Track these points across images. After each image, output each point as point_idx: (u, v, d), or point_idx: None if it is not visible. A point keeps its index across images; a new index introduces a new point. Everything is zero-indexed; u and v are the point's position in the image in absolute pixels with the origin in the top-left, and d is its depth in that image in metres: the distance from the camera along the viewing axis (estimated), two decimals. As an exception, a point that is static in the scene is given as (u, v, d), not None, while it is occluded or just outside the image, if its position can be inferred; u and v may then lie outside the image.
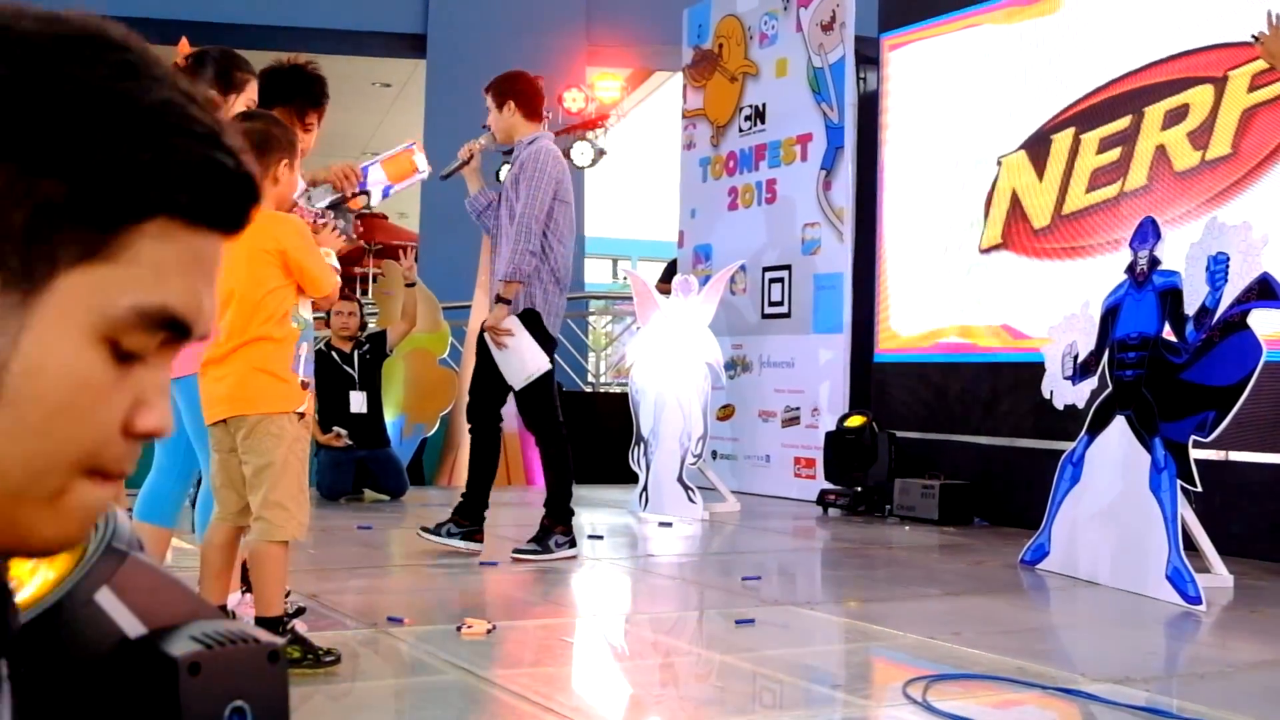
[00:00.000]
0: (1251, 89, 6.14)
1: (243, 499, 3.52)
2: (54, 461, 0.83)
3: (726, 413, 9.29)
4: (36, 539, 0.86)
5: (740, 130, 9.56)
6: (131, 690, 1.67)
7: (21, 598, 1.82)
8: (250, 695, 1.66)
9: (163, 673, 1.60)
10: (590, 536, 6.63)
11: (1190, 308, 5.06)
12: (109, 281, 0.80)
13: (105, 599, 1.70)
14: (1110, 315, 5.50)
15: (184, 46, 3.94)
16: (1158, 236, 5.33)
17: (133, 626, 1.70)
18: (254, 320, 3.45)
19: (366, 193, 3.97)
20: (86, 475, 0.85)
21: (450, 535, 5.89)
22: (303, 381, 3.51)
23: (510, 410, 9.82)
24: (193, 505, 4.20)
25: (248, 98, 3.97)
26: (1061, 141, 7.15)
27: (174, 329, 0.83)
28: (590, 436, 10.52)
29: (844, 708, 3.39)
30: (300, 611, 3.79)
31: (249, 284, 3.45)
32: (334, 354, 8.40)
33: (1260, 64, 6.06)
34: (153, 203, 0.81)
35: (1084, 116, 7.03)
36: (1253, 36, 5.11)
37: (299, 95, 4.31)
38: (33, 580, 1.88)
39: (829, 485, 8.05)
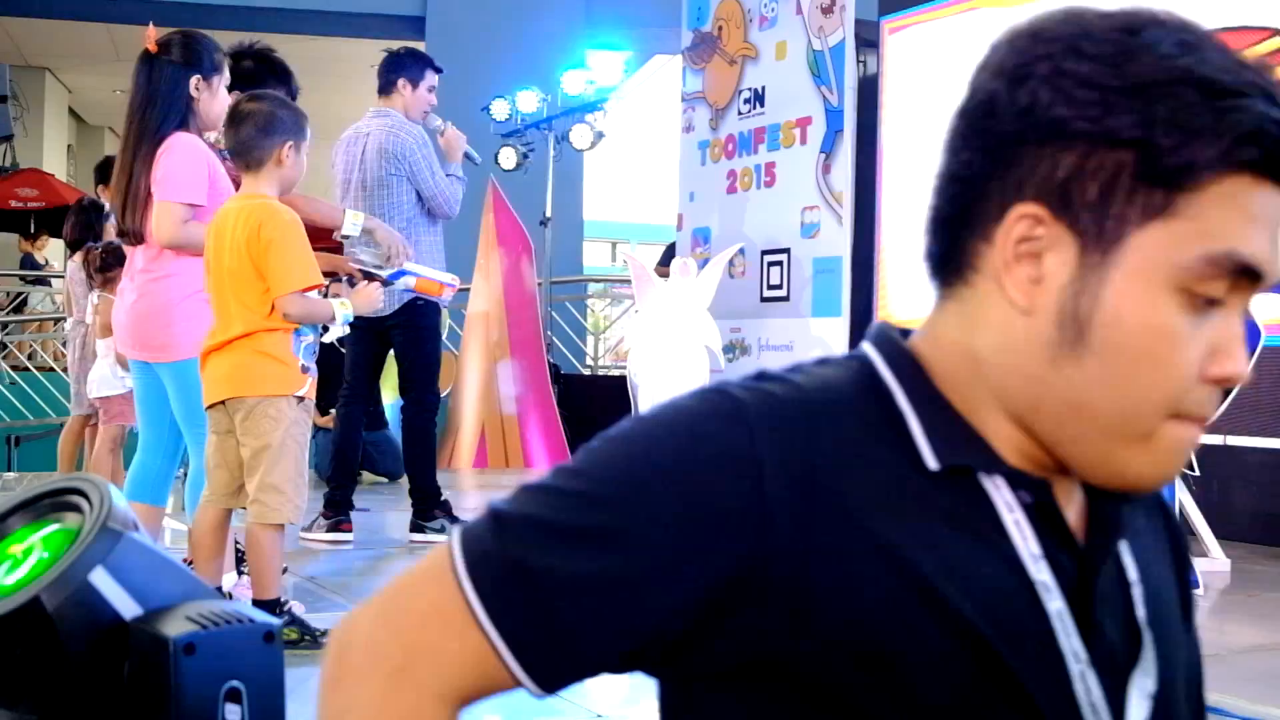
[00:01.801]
0: (1253, 73, 6.13)
1: (235, 480, 3.51)
2: (1140, 405, 0.93)
3: (725, 396, 9.28)
4: (1131, 474, 0.95)
5: (739, 113, 9.53)
6: (127, 670, 1.67)
7: (17, 578, 1.82)
8: (245, 675, 1.66)
9: (157, 652, 1.60)
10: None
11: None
12: (1177, 235, 0.90)
13: (101, 579, 1.70)
14: (1109, 299, 5.49)
15: (152, 33, 3.92)
16: (1158, 220, 5.32)
17: (128, 607, 1.70)
18: (258, 314, 3.43)
19: (391, 282, 4.05)
20: (1172, 418, 0.94)
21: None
22: (303, 366, 3.50)
23: (510, 392, 9.88)
24: (184, 484, 4.21)
25: (224, 78, 3.96)
26: (1061, 125, 7.14)
27: (1244, 275, 0.92)
28: (588, 419, 10.54)
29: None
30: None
31: (247, 276, 3.43)
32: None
33: (1266, 47, 6.05)
34: (1216, 161, 0.89)
35: (1084, 100, 7.02)
36: None
37: (269, 80, 4.31)
38: (27, 561, 1.88)
39: (827, 469, 8.04)
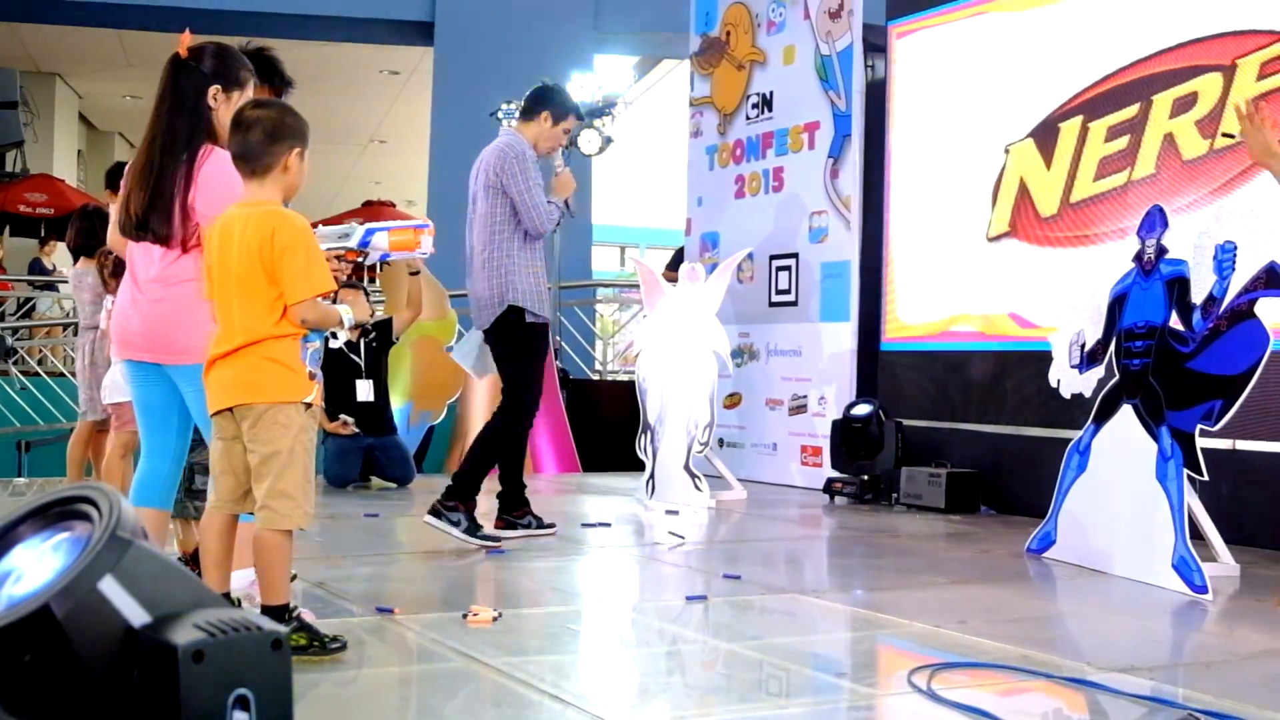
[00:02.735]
0: (1261, 77, 6.12)
1: (240, 485, 3.52)
2: None
3: (733, 401, 9.29)
4: None
5: (747, 118, 9.54)
6: (136, 677, 1.69)
7: (27, 586, 1.83)
8: (253, 683, 1.67)
9: (166, 660, 1.62)
10: (597, 524, 6.64)
11: (1198, 296, 5.05)
12: None
13: (109, 587, 1.72)
14: (1117, 304, 5.49)
15: (186, 39, 3.92)
16: (1165, 225, 5.32)
17: (137, 614, 1.71)
18: (267, 321, 3.44)
19: (364, 251, 3.97)
20: None
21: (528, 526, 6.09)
22: (310, 373, 3.50)
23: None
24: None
25: (246, 95, 3.95)
26: (1069, 130, 7.13)
27: None
28: (597, 424, 10.55)
29: (849, 696, 3.40)
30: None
31: (258, 283, 3.43)
32: (350, 336, 8.40)
33: (1269, 52, 6.05)
34: None
35: (1092, 105, 7.01)
36: (1224, 134, 5.01)
37: (269, 76, 4.33)
38: (37, 568, 1.89)
39: (836, 474, 8.05)
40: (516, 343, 6.04)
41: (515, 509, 6.19)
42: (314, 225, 3.79)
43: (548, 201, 6.09)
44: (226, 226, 3.52)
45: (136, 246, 3.91)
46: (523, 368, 6.07)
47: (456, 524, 5.75)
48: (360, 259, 4.02)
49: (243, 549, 3.66)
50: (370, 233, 3.96)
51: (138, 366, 3.92)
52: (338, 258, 3.94)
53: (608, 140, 10.80)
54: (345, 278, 4.03)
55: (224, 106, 3.86)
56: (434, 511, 5.82)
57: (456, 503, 5.81)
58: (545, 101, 6.23)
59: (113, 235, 4.10)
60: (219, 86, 3.89)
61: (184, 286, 3.74)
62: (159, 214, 3.78)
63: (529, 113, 6.24)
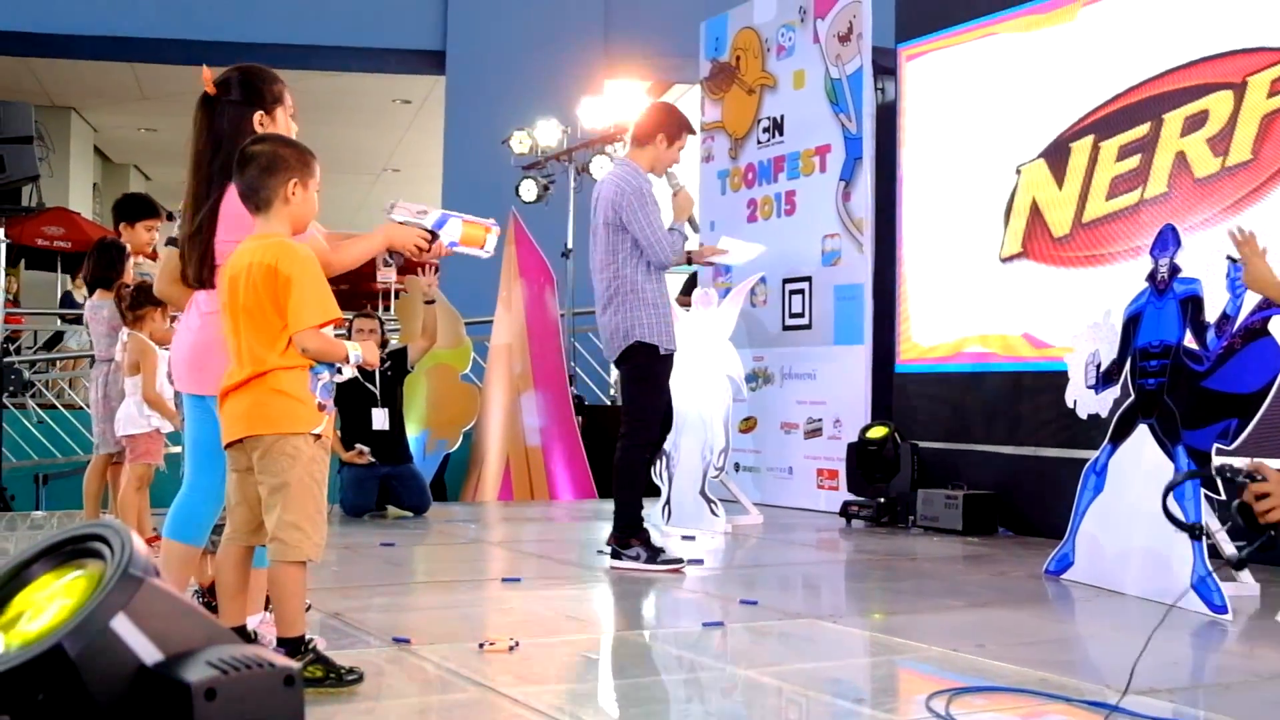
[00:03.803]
0: (1271, 94, 6.12)
1: (255, 517, 3.52)
2: None
3: (748, 425, 9.28)
4: None
5: (758, 142, 9.56)
6: (149, 716, 1.69)
7: (38, 625, 1.84)
8: (266, 719, 1.67)
9: (179, 698, 1.62)
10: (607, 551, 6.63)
11: (1211, 315, 5.03)
12: None
13: (122, 626, 1.72)
14: (1132, 323, 5.48)
15: (208, 74, 3.89)
16: (1178, 244, 5.31)
17: (149, 653, 1.71)
18: (273, 351, 3.44)
19: (436, 234, 3.94)
20: None
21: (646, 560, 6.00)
22: (320, 404, 3.50)
23: (534, 424, 9.90)
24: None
25: (287, 108, 3.93)
26: (1081, 149, 7.13)
27: None
28: (612, 449, 10.53)
29: (867, 722, 3.38)
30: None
31: (264, 314, 3.44)
32: (358, 373, 8.41)
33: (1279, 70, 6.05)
34: None
35: (1103, 124, 7.01)
36: (1228, 258, 4.94)
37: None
38: (50, 607, 1.89)
39: (852, 496, 8.03)
40: (642, 374, 6.11)
41: (633, 535, 6.16)
42: (393, 205, 3.81)
43: (669, 229, 6.12)
44: (236, 261, 3.53)
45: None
46: (644, 397, 6.15)
47: (636, 558, 5.92)
48: (430, 240, 3.97)
49: (254, 594, 3.66)
50: (446, 218, 3.94)
51: (190, 399, 3.90)
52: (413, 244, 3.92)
53: (620, 166, 10.81)
54: (418, 253, 3.96)
55: (272, 128, 3.85)
56: (614, 554, 5.99)
57: (628, 539, 5.98)
58: (658, 124, 6.25)
59: (159, 287, 4.04)
60: (261, 113, 3.85)
61: (218, 316, 3.73)
62: (206, 269, 3.76)
63: (644, 139, 6.25)
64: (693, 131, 6.49)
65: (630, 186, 6.05)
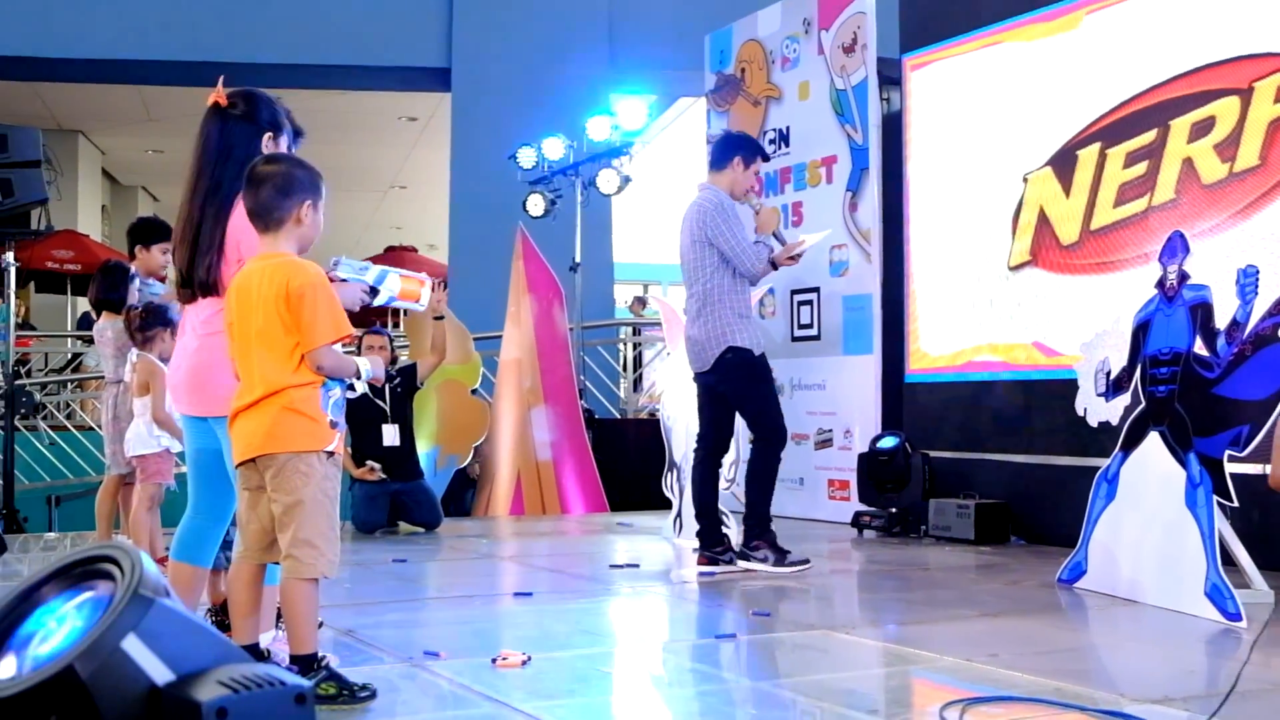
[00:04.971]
0: (1278, 100, 6.11)
1: (267, 535, 3.52)
2: None
3: (759, 437, 9.25)
4: None
5: (765, 154, 9.55)
6: (161, 736, 1.68)
7: (51, 646, 1.84)
8: (278, 739, 1.67)
9: (190, 718, 1.62)
10: (626, 565, 6.62)
11: (1221, 321, 5.02)
12: None
13: (133, 646, 1.72)
14: (1141, 331, 5.47)
15: (221, 89, 3.96)
16: (1186, 250, 5.30)
17: (160, 673, 1.71)
18: (286, 369, 3.45)
19: (376, 290, 4.00)
20: None
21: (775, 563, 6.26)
22: (332, 422, 3.51)
23: (544, 439, 9.89)
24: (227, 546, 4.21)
25: (288, 135, 3.99)
26: (1088, 157, 7.13)
27: None
28: (623, 463, 10.53)
29: (881, 734, 3.37)
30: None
31: (275, 333, 3.45)
32: (368, 388, 8.42)
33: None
34: None
35: (1109, 131, 7.01)
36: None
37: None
38: (61, 629, 1.90)
39: (863, 507, 8.02)
40: (745, 378, 6.37)
41: (761, 536, 6.39)
42: (336, 262, 3.83)
43: (755, 242, 6.38)
44: (244, 281, 3.54)
45: (186, 302, 3.94)
46: (759, 398, 6.40)
47: (764, 560, 6.25)
48: (371, 296, 4.02)
49: (265, 612, 3.66)
50: (385, 273, 3.98)
51: (190, 421, 3.94)
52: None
53: (626, 179, 10.82)
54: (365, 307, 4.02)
55: (273, 150, 3.92)
56: (742, 555, 6.32)
57: (757, 541, 6.30)
58: (733, 148, 6.57)
59: (169, 292, 4.16)
60: (270, 134, 3.94)
61: (219, 338, 3.75)
62: (204, 265, 3.80)
63: (719, 162, 6.57)
64: (766, 157, 6.90)
65: (712, 204, 6.37)
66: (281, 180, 3.53)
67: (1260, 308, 4.89)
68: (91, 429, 12.43)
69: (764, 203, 6.74)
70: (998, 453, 7.70)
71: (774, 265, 6.45)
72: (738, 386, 6.40)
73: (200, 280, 3.81)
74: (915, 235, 8.42)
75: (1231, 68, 6.35)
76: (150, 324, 6.07)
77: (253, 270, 3.54)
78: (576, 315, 11.12)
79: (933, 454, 7.89)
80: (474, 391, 10.21)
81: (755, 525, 6.34)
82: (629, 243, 19.07)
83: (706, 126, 10.35)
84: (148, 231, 6.75)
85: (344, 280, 3.88)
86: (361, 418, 8.23)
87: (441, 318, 8.31)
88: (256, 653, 3.60)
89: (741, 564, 6.29)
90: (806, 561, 6.29)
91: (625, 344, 14.63)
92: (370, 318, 13.46)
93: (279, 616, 3.82)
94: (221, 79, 4.02)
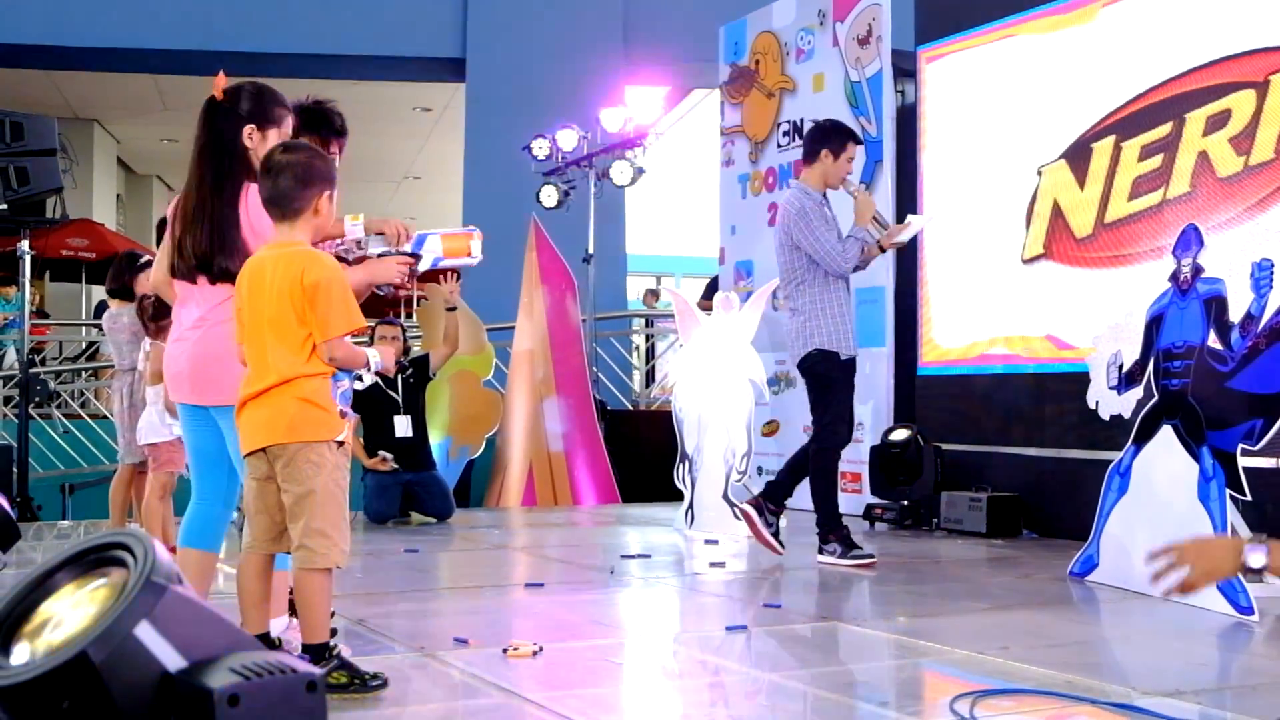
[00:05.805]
0: (1293, 92, 6.08)
1: (276, 525, 3.52)
2: None
3: (771, 429, 9.27)
4: None
5: (779, 146, 9.55)
6: (173, 723, 1.69)
7: (63, 633, 1.85)
8: (289, 726, 1.68)
9: (202, 705, 1.63)
10: (637, 556, 6.63)
11: (1235, 315, 5.01)
12: None
13: (145, 633, 1.73)
14: (1155, 324, 5.45)
15: (220, 80, 3.97)
16: (1201, 244, 5.29)
17: (173, 660, 1.72)
18: (297, 361, 3.45)
19: (418, 256, 3.98)
20: None
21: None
22: (341, 411, 3.52)
23: (557, 430, 9.91)
24: (239, 530, 4.23)
25: (283, 133, 3.98)
26: (1102, 150, 7.11)
27: None
28: (635, 455, 10.54)
29: (891, 726, 3.37)
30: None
31: (288, 323, 3.45)
32: (378, 379, 8.43)
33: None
34: None
35: (1124, 124, 6.99)
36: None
37: (323, 126, 4.35)
38: (74, 616, 1.91)
39: (875, 499, 8.01)
40: (823, 380, 6.40)
41: (831, 531, 6.45)
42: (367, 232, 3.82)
43: (849, 236, 6.37)
44: (257, 269, 3.54)
45: (183, 288, 3.92)
46: (824, 406, 6.42)
47: (834, 553, 6.32)
48: (414, 263, 4.01)
49: (276, 598, 3.67)
50: (423, 237, 3.97)
51: (188, 409, 3.95)
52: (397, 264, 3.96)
53: (639, 171, 10.82)
54: (406, 277, 4.03)
55: (260, 145, 3.89)
56: (818, 549, 6.40)
57: (828, 534, 6.38)
58: (820, 140, 6.46)
59: (157, 276, 4.11)
60: (253, 126, 3.92)
61: (226, 327, 3.75)
62: (225, 253, 3.80)
63: (810, 155, 6.49)
64: (858, 141, 6.73)
65: (794, 208, 6.34)
66: (302, 170, 3.53)
67: (1275, 301, 4.87)
68: (106, 417, 12.47)
69: (860, 187, 6.65)
70: (1010, 446, 7.69)
71: (881, 248, 6.45)
72: (811, 388, 6.49)
73: (221, 268, 3.81)
74: (929, 228, 8.40)
75: (1247, 61, 6.33)
76: (163, 312, 6.09)
77: (265, 258, 3.54)
78: (589, 306, 11.12)
79: (945, 447, 7.88)
80: (486, 383, 10.22)
81: (824, 523, 6.42)
82: (642, 234, 19.07)
83: (721, 119, 10.34)
84: None
85: (379, 255, 3.88)
86: (374, 408, 8.24)
87: (454, 308, 8.31)
88: (268, 641, 3.61)
89: (818, 557, 6.37)
90: (871, 556, 6.31)
91: (639, 336, 14.62)
92: (383, 308, 13.48)
93: (291, 604, 3.83)
94: (221, 73, 4.02)
